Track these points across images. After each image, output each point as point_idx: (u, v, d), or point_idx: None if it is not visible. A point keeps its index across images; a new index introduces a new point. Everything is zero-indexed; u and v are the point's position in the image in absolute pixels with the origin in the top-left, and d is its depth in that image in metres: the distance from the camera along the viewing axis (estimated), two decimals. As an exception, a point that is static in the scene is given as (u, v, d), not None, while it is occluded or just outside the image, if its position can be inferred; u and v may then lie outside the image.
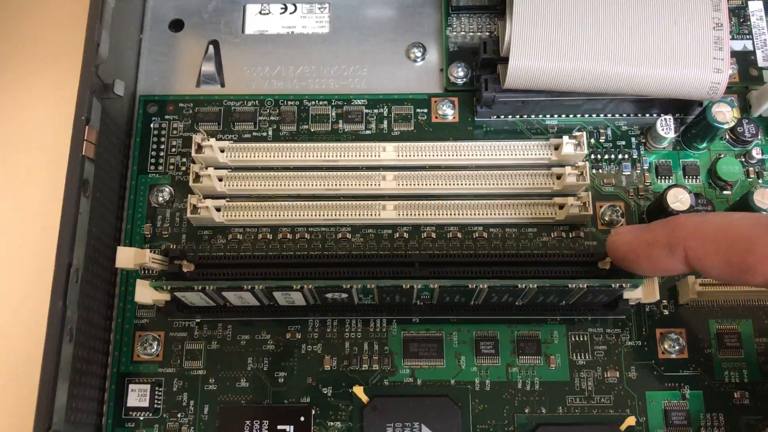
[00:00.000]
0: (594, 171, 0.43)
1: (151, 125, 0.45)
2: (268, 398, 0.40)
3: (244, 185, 0.41)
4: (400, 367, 0.40)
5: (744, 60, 0.45)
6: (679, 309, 0.41)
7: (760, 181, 0.43)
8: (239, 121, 0.45)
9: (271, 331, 0.41)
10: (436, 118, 0.45)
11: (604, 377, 0.40)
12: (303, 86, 0.46)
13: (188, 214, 0.41)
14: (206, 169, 0.41)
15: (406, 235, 0.42)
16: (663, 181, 0.43)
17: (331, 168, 0.42)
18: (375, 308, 0.40)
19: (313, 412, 0.39)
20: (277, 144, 0.42)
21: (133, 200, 0.43)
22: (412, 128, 0.45)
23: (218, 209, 0.41)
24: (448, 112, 0.45)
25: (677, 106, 0.43)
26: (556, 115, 0.44)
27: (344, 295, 0.37)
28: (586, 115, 0.44)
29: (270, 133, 0.45)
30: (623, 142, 0.44)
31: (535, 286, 0.35)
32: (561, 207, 0.41)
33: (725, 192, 0.43)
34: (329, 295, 0.37)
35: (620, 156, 0.44)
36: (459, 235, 0.42)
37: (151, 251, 0.36)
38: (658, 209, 0.41)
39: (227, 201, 0.42)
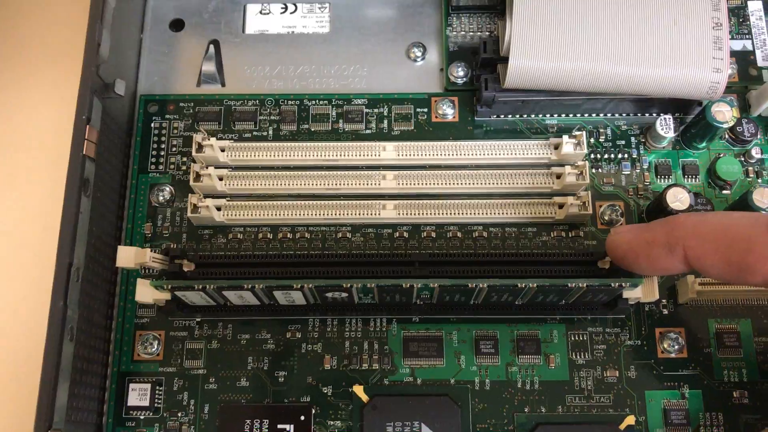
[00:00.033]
0: (593, 170, 0.44)
1: (152, 125, 0.45)
2: (268, 397, 0.40)
3: (244, 184, 0.41)
4: (400, 366, 0.40)
5: (743, 60, 0.46)
6: (678, 308, 0.41)
7: (760, 180, 0.43)
8: (240, 121, 0.45)
9: (271, 331, 0.41)
10: (436, 117, 0.45)
11: (603, 376, 0.40)
12: (303, 86, 0.46)
13: (189, 214, 0.41)
14: (207, 168, 0.41)
15: (406, 234, 0.42)
16: (662, 180, 0.43)
17: (332, 167, 0.42)
18: (375, 307, 0.40)
19: (313, 411, 0.39)
20: (278, 143, 0.42)
21: (134, 199, 0.43)
22: (412, 128, 0.45)
23: (219, 208, 0.41)
24: (448, 111, 0.45)
25: (677, 106, 0.44)
26: (555, 115, 0.44)
27: (344, 295, 0.37)
28: (586, 115, 0.45)
29: (270, 132, 0.45)
30: (623, 142, 0.44)
31: (535, 285, 0.35)
32: (561, 206, 0.41)
33: (724, 191, 0.43)
34: (329, 295, 0.37)
35: (620, 155, 0.44)
36: (459, 234, 0.42)
37: (151, 250, 0.36)
38: (658, 209, 0.41)
39: (228, 200, 0.42)
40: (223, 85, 0.46)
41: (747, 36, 0.46)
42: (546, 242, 0.42)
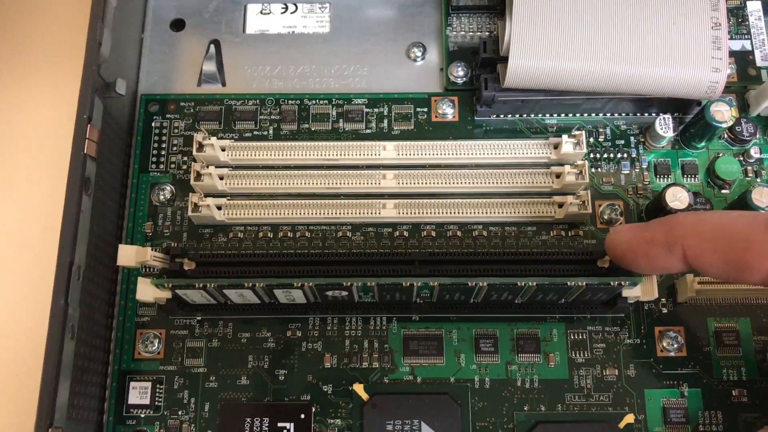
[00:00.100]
0: (593, 170, 0.44)
1: (153, 124, 0.45)
2: (268, 396, 0.40)
3: (245, 184, 0.42)
4: (400, 364, 0.40)
5: (742, 60, 0.46)
6: (677, 307, 0.41)
7: (758, 179, 0.43)
8: (240, 120, 0.45)
9: (271, 329, 0.41)
10: (436, 117, 0.45)
11: (603, 375, 0.40)
12: (304, 85, 0.46)
13: (189, 213, 0.41)
14: (207, 167, 0.41)
15: (406, 233, 0.42)
16: (662, 180, 0.43)
17: (332, 167, 0.42)
18: (375, 306, 0.40)
19: (314, 409, 0.39)
20: (278, 143, 0.42)
21: (135, 198, 0.43)
22: (412, 127, 0.45)
23: (219, 207, 0.41)
24: (448, 111, 0.45)
25: (676, 106, 0.44)
26: (555, 114, 0.45)
27: (344, 293, 0.37)
28: (586, 114, 0.45)
29: (271, 132, 0.45)
30: (622, 141, 0.44)
31: (535, 284, 0.35)
32: (560, 206, 0.41)
33: (723, 191, 0.43)
34: (330, 293, 0.37)
35: (619, 155, 0.44)
36: (459, 233, 0.42)
37: (152, 249, 0.36)
38: (657, 208, 0.41)
39: (228, 199, 0.42)
40: (223, 84, 0.46)
41: (746, 36, 0.46)
42: (545, 241, 0.42)
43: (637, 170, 0.44)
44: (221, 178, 0.41)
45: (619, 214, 0.42)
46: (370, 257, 0.37)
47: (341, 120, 0.45)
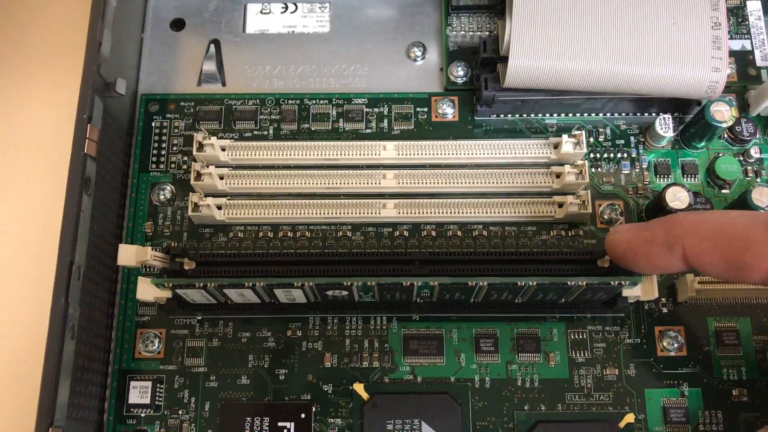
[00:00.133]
0: (593, 170, 0.44)
1: (153, 124, 0.45)
2: (268, 395, 0.40)
3: (245, 183, 0.42)
4: (401, 364, 0.40)
5: (742, 59, 0.46)
6: (677, 307, 0.41)
7: (759, 179, 0.43)
8: (240, 120, 0.45)
9: (271, 329, 0.41)
10: (436, 117, 0.45)
11: (603, 375, 0.40)
12: (304, 85, 0.46)
13: (189, 212, 0.41)
14: (207, 167, 0.41)
15: (406, 233, 0.42)
16: (662, 179, 0.43)
17: (332, 166, 0.42)
18: (375, 306, 0.40)
19: (314, 409, 0.39)
20: (278, 143, 0.42)
21: (135, 198, 0.43)
22: (413, 127, 0.45)
23: (219, 207, 0.41)
24: (448, 111, 0.45)
25: (676, 105, 0.44)
26: (555, 114, 0.45)
27: (345, 293, 0.37)
28: (586, 114, 0.45)
29: (271, 131, 0.45)
30: (622, 141, 0.44)
31: (535, 283, 0.35)
32: (560, 205, 0.41)
33: (724, 191, 0.43)
34: (330, 293, 0.37)
35: (619, 155, 0.44)
36: (459, 233, 0.42)
37: (152, 249, 0.36)
38: (657, 208, 0.41)
39: (228, 199, 0.42)
40: (223, 84, 0.46)
41: (746, 36, 0.46)
42: (546, 241, 0.42)
43: (637, 170, 0.44)
44: (221, 178, 0.41)
45: (619, 213, 0.42)
46: (371, 257, 0.37)
47: (341, 120, 0.45)
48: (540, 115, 0.45)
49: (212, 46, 0.47)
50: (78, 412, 0.37)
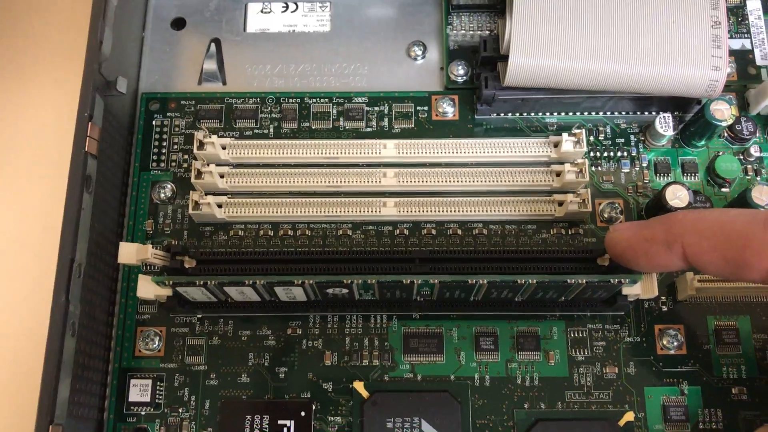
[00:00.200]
0: (593, 168, 0.44)
1: (153, 122, 0.45)
2: (268, 393, 0.40)
3: (245, 182, 0.42)
4: (401, 362, 0.40)
5: (742, 59, 0.46)
6: (677, 305, 0.41)
7: (758, 178, 0.43)
8: (241, 119, 0.45)
9: (272, 327, 0.41)
10: (437, 115, 0.45)
11: (602, 373, 0.40)
12: (304, 84, 0.46)
13: (190, 211, 0.41)
14: (208, 165, 0.41)
15: (406, 231, 0.42)
16: (662, 178, 0.43)
17: (332, 165, 0.42)
18: (375, 304, 0.40)
19: (314, 407, 0.39)
20: (279, 141, 0.42)
21: (135, 196, 0.43)
22: (413, 126, 0.45)
23: (220, 206, 0.42)
24: (448, 109, 0.45)
25: (676, 104, 0.44)
26: (555, 113, 0.45)
27: (345, 291, 0.37)
28: (586, 113, 0.45)
29: (271, 130, 0.45)
30: (622, 140, 0.44)
31: (535, 281, 0.35)
32: (560, 204, 0.41)
33: (723, 189, 0.43)
34: (330, 291, 0.37)
35: (619, 153, 0.44)
36: (459, 231, 0.42)
37: (153, 247, 0.36)
38: (657, 206, 0.41)
39: (229, 197, 0.42)
40: (224, 83, 0.47)
41: (746, 35, 0.46)
42: (546, 239, 0.42)
43: (637, 169, 0.44)
44: (222, 176, 0.41)
45: (619, 212, 0.43)
46: (371, 255, 0.37)
47: (342, 118, 0.45)
48: (540, 113, 0.45)
49: (213, 45, 0.47)
50: (78, 410, 0.37)
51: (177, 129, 0.45)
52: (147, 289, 0.37)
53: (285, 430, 0.39)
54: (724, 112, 0.41)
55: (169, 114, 0.45)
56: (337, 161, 0.42)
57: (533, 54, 0.40)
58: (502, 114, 0.45)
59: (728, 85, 0.45)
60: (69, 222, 0.37)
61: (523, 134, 0.44)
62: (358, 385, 0.40)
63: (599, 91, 0.42)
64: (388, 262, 0.37)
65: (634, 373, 0.40)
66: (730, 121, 0.41)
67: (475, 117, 0.45)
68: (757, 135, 0.44)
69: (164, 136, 0.45)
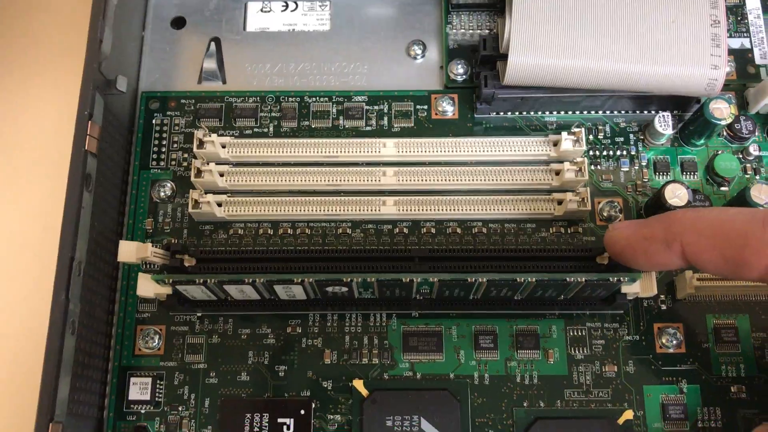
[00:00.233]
0: (592, 167, 0.44)
1: (153, 121, 0.45)
2: (268, 392, 0.40)
3: (245, 181, 0.42)
4: (400, 361, 0.40)
5: (742, 58, 0.46)
6: (676, 304, 0.41)
7: (757, 177, 0.43)
8: (240, 118, 0.45)
9: (271, 326, 0.41)
10: (436, 114, 0.45)
11: (602, 371, 0.40)
12: (304, 83, 0.47)
13: (190, 209, 0.41)
14: (208, 164, 0.41)
15: (405, 230, 0.42)
16: (661, 177, 0.43)
17: (332, 164, 0.42)
18: (375, 302, 0.40)
19: (314, 405, 0.39)
20: (278, 140, 0.43)
21: (135, 195, 0.43)
22: (412, 125, 0.45)
23: (219, 204, 0.42)
24: (447, 108, 0.45)
25: (675, 103, 0.44)
26: (555, 112, 0.45)
27: (344, 289, 0.37)
28: (585, 112, 0.45)
29: (271, 129, 0.45)
30: (621, 139, 0.44)
31: (534, 279, 0.35)
32: (560, 203, 0.41)
33: (723, 188, 0.43)
34: (329, 289, 0.37)
35: (618, 152, 0.44)
36: (458, 230, 0.42)
37: (153, 246, 0.37)
38: (656, 205, 0.41)
39: (228, 196, 0.42)
40: (224, 82, 0.47)
41: (745, 34, 0.46)
42: (545, 238, 0.42)
43: (637, 167, 0.44)
44: (221, 175, 0.42)
45: (618, 211, 0.43)
46: (370, 254, 0.37)
47: (341, 117, 0.45)
48: (539, 112, 0.45)
49: (213, 44, 0.47)
50: (78, 408, 0.37)
51: (177, 128, 0.45)
52: (147, 287, 0.37)
53: (285, 428, 0.39)
54: (723, 110, 0.41)
55: (169, 113, 0.45)
56: (337, 160, 0.42)
57: (532, 53, 0.40)
58: (502, 113, 0.45)
59: (727, 84, 0.45)
60: (69, 220, 0.37)
61: (522, 133, 0.45)
62: (358, 384, 0.40)
63: (599, 90, 0.42)
64: (387, 261, 0.37)
65: (633, 372, 0.40)
66: (729, 120, 0.41)
67: (475, 116, 0.45)
68: (756, 134, 0.44)
69: (164, 135, 0.45)
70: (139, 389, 0.40)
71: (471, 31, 0.47)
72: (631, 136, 0.44)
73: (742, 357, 0.40)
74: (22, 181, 0.47)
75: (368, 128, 0.45)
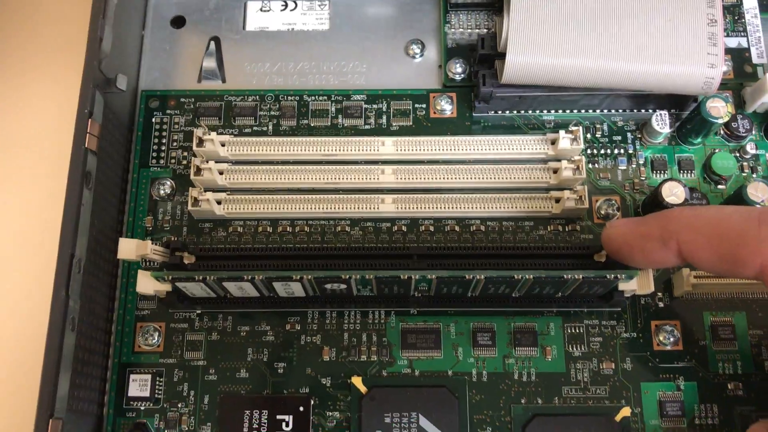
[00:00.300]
0: (590, 165, 0.44)
1: (153, 120, 0.45)
2: (267, 388, 0.40)
3: (244, 179, 0.42)
4: (398, 358, 0.41)
5: (739, 57, 0.46)
6: (673, 301, 0.41)
7: (754, 175, 0.44)
8: (240, 116, 0.45)
9: (270, 323, 0.41)
10: (435, 113, 0.45)
11: (599, 368, 0.40)
12: (303, 82, 0.47)
13: (189, 207, 0.41)
14: (207, 162, 0.41)
15: (404, 228, 0.43)
16: (658, 175, 0.44)
17: (331, 162, 0.43)
18: (373, 300, 0.40)
19: (312, 402, 0.40)
20: (277, 138, 0.43)
21: (135, 193, 0.44)
22: (411, 123, 0.45)
23: (219, 202, 0.42)
24: (446, 107, 0.45)
25: (672, 102, 0.44)
26: (552, 111, 0.45)
27: (343, 286, 0.37)
28: (583, 111, 0.45)
29: (270, 127, 0.45)
30: (619, 137, 0.45)
31: (531, 276, 0.35)
32: (557, 201, 0.41)
33: (720, 186, 0.43)
34: (328, 286, 0.37)
35: (616, 151, 0.44)
36: (456, 228, 0.42)
37: (152, 243, 0.37)
38: (654, 203, 0.41)
39: (228, 194, 0.42)
40: (223, 81, 0.47)
41: (742, 33, 0.47)
42: (543, 236, 0.42)
43: (634, 166, 0.44)
44: (221, 173, 0.42)
45: (615, 209, 0.43)
46: (369, 252, 0.37)
47: (340, 116, 0.45)
48: (537, 111, 0.45)
49: (212, 43, 0.47)
50: (78, 405, 0.37)
51: (176, 126, 0.45)
52: (146, 284, 0.37)
53: (284, 424, 0.39)
54: (720, 109, 0.41)
55: (168, 111, 0.46)
56: (336, 158, 0.43)
57: (530, 51, 0.40)
58: (500, 111, 0.45)
59: (725, 83, 0.45)
60: (69, 218, 0.37)
61: (520, 131, 0.45)
62: (357, 381, 0.40)
63: (596, 89, 0.42)
64: (386, 258, 0.37)
65: (631, 369, 0.40)
66: (726, 119, 0.42)
67: (473, 114, 0.45)
68: (753, 132, 0.44)
69: (164, 133, 0.45)
70: (138, 386, 0.40)
71: (469, 31, 0.47)
72: (629, 134, 0.45)
73: (739, 354, 0.40)
74: (23, 179, 0.47)
75: (367, 127, 0.45)
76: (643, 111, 0.45)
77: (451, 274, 0.35)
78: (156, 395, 0.40)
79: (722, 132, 0.44)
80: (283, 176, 0.42)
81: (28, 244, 0.46)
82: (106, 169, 0.41)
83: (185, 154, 0.45)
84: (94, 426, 0.39)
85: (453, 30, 0.47)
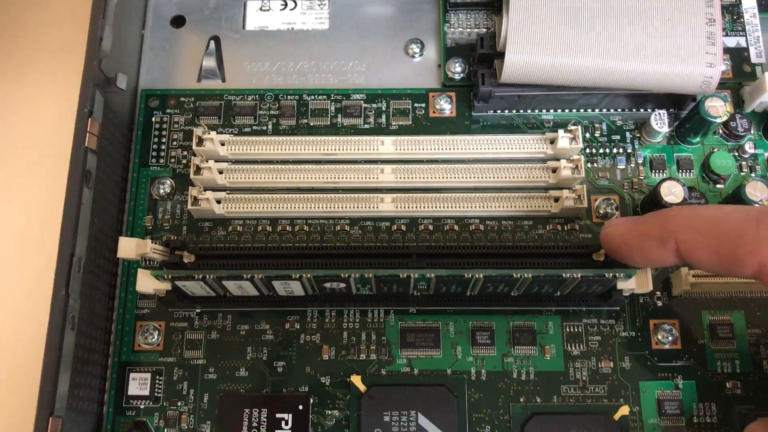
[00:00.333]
0: (589, 165, 0.44)
1: (153, 119, 0.45)
2: (267, 387, 0.40)
3: (244, 178, 0.42)
4: (398, 356, 0.41)
5: (737, 56, 0.46)
6: (672, 300, 0.41)
7: (753, 174, 0.44)
8: (239, 115, 0.45)
9: (270, 322, 0.41)
10: (434, 112, 0.45)
11: (598, 367, 0.40)
12: (302, 81, 0.47)
13: (189, 206, 0.41)
14: (207, 161, 0.41)
15: (403, 227, 0.43)
16: (657, 174, 0.44)
17: (330, 161, 0.43)
18: (373, 299, 0.40)
19: (312, 400, 0.40)
20: (277, 138, 0.43)
21: (135, 192, 0.44)
22: (410, 122, 0.45)
23: (219, 201, 0.42)
24: (445, 106, 0.45)
25: (671, 101, 0.44)
26: (551, 110, 0.45)
27: (342, 285, 0.37)
28: (582, 110, 0.45)
29: (270, 127, 0.45)
30: (618, 137, 0.45)
31: (530, 275, 0.35)
32: (556, 200, 0.42)
33: (718, 185, 0.43)
34: (327, 285, 0.37)
35: (615, 150, 0.44)
36: (456, 227, 0.43)
37: (152, 242, 0.37)
38: (652, 202, 0.41)
39: (227, 193, 0.42)
40: (223, 80, 0.47)
41: (741, 33, 0.47)
42: (542, 235, 0.43)
43: (633, 165, 0.44)
44: (221, 172, 0.42)
45: (614, 208, 0.43)
46: (368, 250, 0.38)
47: (340, 115, 0.45)
48: (536, 110, 0.45)
49: (212, 43, 0.47)
50: (78, 403, 0.37)
51: (176, 125, 0.45)
52: (146, 283, 0.37)
53: (283, 423, 0.39)
54: (718, 108, 0.41)
55: (168, 111, 0.46)
56: (335, 157, 0.43)
57: (529, 51, 0.40)
58: (499, 111, 0.45)
59: (723, 83, 0.45)
60: (69, 217, 0.37)
61: (519, 131, 0.45)
62: (356, 379, 0.40)
63: (595, 88, 0.42)
64: (385, 257, 0.37)
65: (629, 368, 0.40)
66: (725, 118, 0.42)
67: (472, 114, 0.45)
68: (752, 132, 0.44)
69: (164, 133, 0.45)
70: (138, 384, 0.40)
71: (468, 30, 0.47)
72: (628, 133, 0.45)
73: (738, 353, 0.40)
74: (23, 178, 0.47)
75: (366, 126, 0.45)
76: (641, 110, 0.45)
77: (450, 273, 0.36)
78: (156, 394, 0.40)
79: (721, 131, 0.44)
80: (283, 175, 0.42)
81: (28, 243, 0.46)
82: (106, 168, 0.41)
83: (185, 153, 0.45)
84: (94, 424, 0.40)
85: (452, 29, 0.47)
